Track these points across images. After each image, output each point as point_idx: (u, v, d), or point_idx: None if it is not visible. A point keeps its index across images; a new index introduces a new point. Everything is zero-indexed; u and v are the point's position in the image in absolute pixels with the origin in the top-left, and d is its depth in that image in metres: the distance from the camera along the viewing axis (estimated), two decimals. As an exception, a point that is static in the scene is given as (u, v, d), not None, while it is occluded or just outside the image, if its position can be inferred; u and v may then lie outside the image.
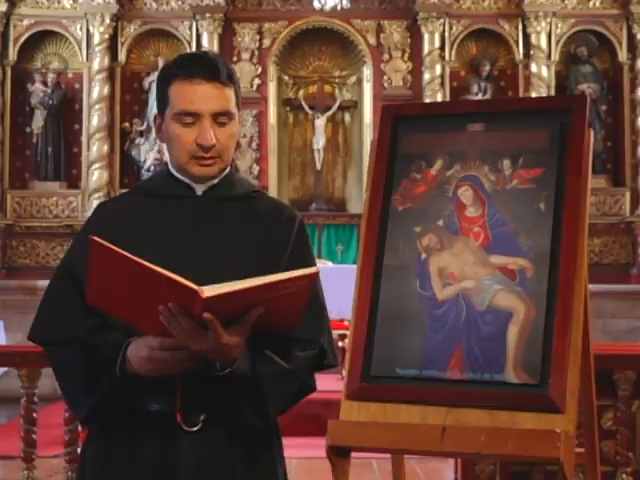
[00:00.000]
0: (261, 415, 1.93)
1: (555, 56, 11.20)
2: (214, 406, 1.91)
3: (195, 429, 1.91)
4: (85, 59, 11.16)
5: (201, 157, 1.98)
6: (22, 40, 11.15)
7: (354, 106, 11.77)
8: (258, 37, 11.37)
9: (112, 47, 11.12)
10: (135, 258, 1.69)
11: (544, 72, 11.05)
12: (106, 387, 1.89)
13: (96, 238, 1.70)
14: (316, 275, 1.79)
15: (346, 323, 7.56)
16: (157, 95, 2.06)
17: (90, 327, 1.95)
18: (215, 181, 2.06)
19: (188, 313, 1.70)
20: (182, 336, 1.74)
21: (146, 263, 1.68)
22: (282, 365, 1.92)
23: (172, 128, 1.99)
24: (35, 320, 2.04)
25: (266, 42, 11.38)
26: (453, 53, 11.32)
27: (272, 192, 10.76)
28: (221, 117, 1.98)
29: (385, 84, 11.34)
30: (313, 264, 2.09)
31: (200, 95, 1.96)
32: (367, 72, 11.47)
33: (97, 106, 10.95)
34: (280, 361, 1.92)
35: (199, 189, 2.05)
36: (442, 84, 11.20)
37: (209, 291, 1.67)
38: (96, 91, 10.98)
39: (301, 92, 11.89)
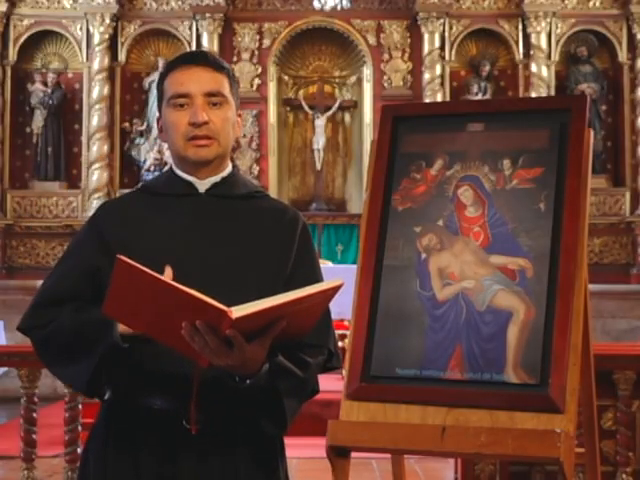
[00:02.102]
0: (280, 425, 1.95)
1: (555, 56, 11.20)
2: (225, 412, 1.92)
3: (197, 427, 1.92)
4: (85, 59, 11.16)
5: (194, 137, 1.99)
6: (22, 40, 11.16)
7: (354, 106, 11.77)
8: (258, 37, 11.37)
9: (112, 47, 11.13)
10: (162, 277, 1.68)
11: (544, 72, 11.05)
12: (103, 350, 1.87)
13: (123, 257, 1.69)
14: (341, 286, 1.79)
15: (346, 323, 7.57)
16: (157, 96, 2.09)
17: (74, 307, 1.94)
18: (217, 179, 2.06)
19: (213, 330, 1.69)
20: (205, 352, 1.73)
21: (173, 283, 1.67)
22: (298, 375, 1.94)
23: (167, 115, 2.01)
24: (28, 310, 2.04)
25: (266, 42, 11.38)
26: (453, 53, 11.32)
27: (272, 192, 10.76)
28: (213, 98, 2.00)
29: (385, 84, 11.34)
30: (318, 267, 2.10)
31: (190, 77, 1.99)
32: (367, 72, 11.47)
33: (97, 106, 10.96)
34: (296, 370, 1.94)
35: (201, 187, 2.05)
36: (442, 84, 11.20)
37: (238, 311, 1.66)
38: (96, 91, 10.98)
39: (301, 92, 11.90)
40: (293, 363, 1.93)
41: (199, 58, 2.03)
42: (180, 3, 11.27)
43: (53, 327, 1.95)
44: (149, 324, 1.77)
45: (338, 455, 1.94)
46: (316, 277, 2.05)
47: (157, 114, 2.11)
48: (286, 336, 1.81)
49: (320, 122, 11.44)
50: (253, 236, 2.02)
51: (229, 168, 2.09)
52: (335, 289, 1.78)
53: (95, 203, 10.46)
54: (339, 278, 1.80)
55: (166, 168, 2.16)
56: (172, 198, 2.05)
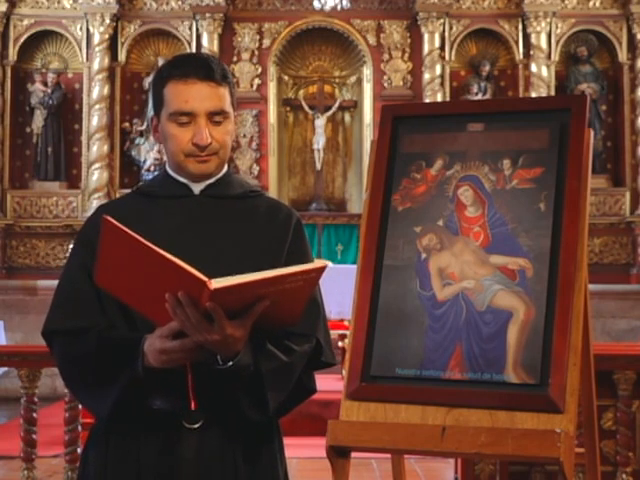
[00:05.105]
0: (260, 409, 1.92)
1: (555, 56, 11.21)
2: (215, 401, 1.91)
3: (196, 426, 1.92)
4: (85, 59, 11.17)
5: (197, 155, 2.00)
6: (22, 40, 11.17)
7: (354, 106, 11.78)
8: (258, 37, 11.37)
9: (112, 47, 11.14)
10: (146, 242, 1.68)
11: (544, 72, 11.05)
12: (126, 383, 1.88)
13: (109, 218, 1.71)
14: (324, 268, 1.78)
15: (346, 323, 7.57)
16: (152, 97, 2.08)
17: (107, 324, 1.95)
18: (212, 180, 2.07)
19: (194, 303, 1.70)
20: (187, 326, 1.74)
21: (156, 248, 1.68)
22: (282, 359, 1.93)
23: (168, 128, 2.00)
24: (51, 314, 2.01)
25: (266, 42, 11.39)
26: (453, 53, 11.33)
27: (272, 192, 10.77)
28: (216, 116, 1.99)
29: (385, 84, 11.34)
30: (311, 260, 2.09)
31: (194, 94, 1.97)
32: (367, 72, 11.47)
33: (97, 106, 10.96)
34: (280, 355, 1.93)
35: (196, 188, 2.06)
36: (442, 84, 11.21)
37: (217, 283, 1.66)
38: (96, 91, 10.99)
39: (301, 92, 11.90)
40: (277, 349, 1.93)
41: (203, 72, 1.98)
42: (180, 3, 11.28)
43: (78, 351, 1.95)
44: (136, 295, 1.78)
45: (338, 455, 1.94)
46: None
47: (151, 113, 2.10)
48: (273, 321, 1.81)
49: (320, 122, 11.45)
50: (247, 235, 2.03)
51: (224, 169, 2.10)
52: (318, 270, 1.78)
53: (95, 203, 10.46)
54: (325, 261, 1.81)
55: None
56: (167, 200, 2.06)
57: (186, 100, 1.97)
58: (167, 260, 1.67)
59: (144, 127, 11.17)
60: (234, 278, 1.69)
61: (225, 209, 2.06)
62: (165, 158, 2.14)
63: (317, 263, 1.78)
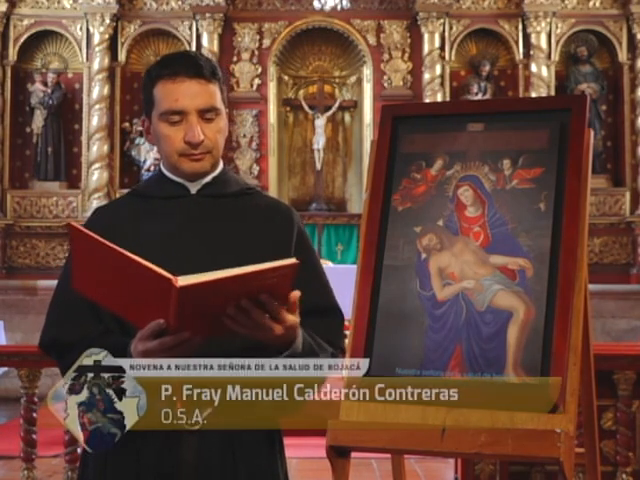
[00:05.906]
0: None
1: (555, 56, 11.20)
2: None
3: (197, 428, 1.92)
4: (85, 59, 11.16)
5: (191, 154, 1.99)
6: (22, 40, 11.16)
7: (354, 106, 11.77)
8: (258, 37, 11.37)
9: (112, 47, 11.13)
10: (112, 245, 1.69)
11: (544, 72, 11.05)
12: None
13: (74, 224, 1.72)
14: (296, 266, 1.79)
15: (346, 323, 7.57)
16: (143, 98, 2.07)
17: (100, 331, 1.95)
18: (208, 179, 2.06)
19: (258, 305, 1.72)
20: (254, 329, 1.76)
21: (122, 250, 1.69)
22: (317, 353, 1.93)
23: (160, 128, 2.00)
24: (46, 326, 2.03)
25: (266, 42, 11.38)
26: (453, 53, 11.32)
27: (272, 192, 10.76)
28: (207, 113, 1.99)
29: (385, 84, 11.34)
30: (318, 262, 2.09)
31: (184, 92, 1.97)
32: (367, 72, 11.47)
33: (97, 106, 10.96)
34: (317, 350, 1.93)
35: (193, 188, 2.06)
36: (442, 84, 11.20)
37: (183, 280, 1.67)
38: (96, 91, 10.98)
39: (301, 92, 11.89)
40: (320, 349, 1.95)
41: (191, 69, 1.98)
42: (180, 3, 11.27)
43: (71, 362, 1.91)
44: (112, 298, 1.79)
45: (338, 455, 1.94)
46: (317, 274, 2.04)
47: (143, 116, 2.10)
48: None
49: (320, 122, 11.44)
50: (247, 234, 2.03)
51: (220, 167, 2.10)
52: (290, 267, 1.78)
53: (95, 203, 10.46)
54: (294, 259, 1.81)
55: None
56: (164, 200, 2.05)
57: (176, 99, 1.97)
58: (133, 261, 1.68)
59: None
60: (201, 276, 1.70)
61: (223, 208, 2.06)
62: (163, 158, 2.13)
63: (287, 261, 1.79)
